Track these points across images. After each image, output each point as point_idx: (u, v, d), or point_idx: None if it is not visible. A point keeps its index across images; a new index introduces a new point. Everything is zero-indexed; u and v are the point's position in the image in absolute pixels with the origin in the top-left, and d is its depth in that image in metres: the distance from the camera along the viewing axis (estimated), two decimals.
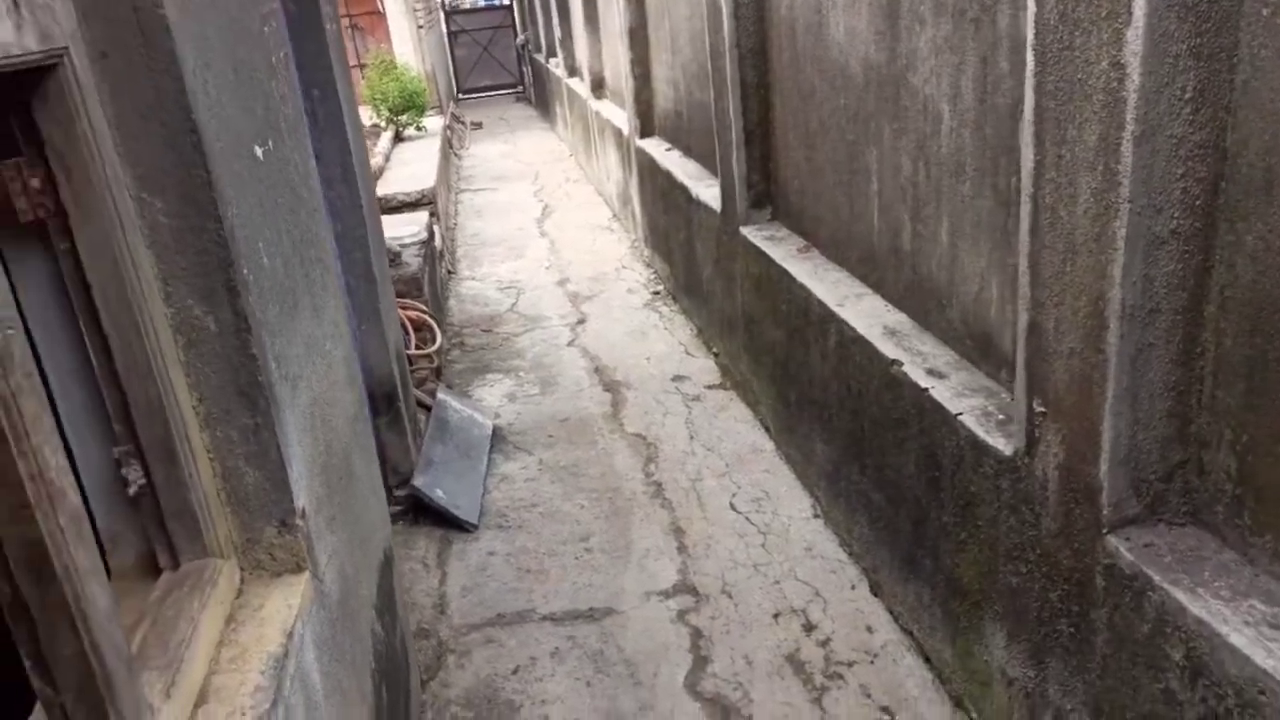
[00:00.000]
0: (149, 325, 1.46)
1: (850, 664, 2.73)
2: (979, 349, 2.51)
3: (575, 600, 3.17)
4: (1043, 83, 1.82)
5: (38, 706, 1.22)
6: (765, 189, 4.20)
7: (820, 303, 3.25)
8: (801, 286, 3.44)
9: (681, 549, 3.39)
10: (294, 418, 1.73)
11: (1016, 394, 2.06)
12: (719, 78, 4.27)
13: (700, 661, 2.80)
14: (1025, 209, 1.93)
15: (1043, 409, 1.97)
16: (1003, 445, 2.16)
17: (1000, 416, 2.27)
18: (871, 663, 2.72)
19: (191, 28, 1.53)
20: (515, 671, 2.86)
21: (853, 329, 2.98)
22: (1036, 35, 1.81)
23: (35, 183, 1.36)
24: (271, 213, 1.82)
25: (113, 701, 1.14)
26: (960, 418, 2.32)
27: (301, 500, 1.70)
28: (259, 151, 1.82)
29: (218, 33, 1.67)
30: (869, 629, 2.86)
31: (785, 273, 3.62)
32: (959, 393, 2.42)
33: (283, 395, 1.67)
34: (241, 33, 1.83)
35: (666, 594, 3.14)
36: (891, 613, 2.91)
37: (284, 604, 1.60)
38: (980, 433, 2.24)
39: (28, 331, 1.53)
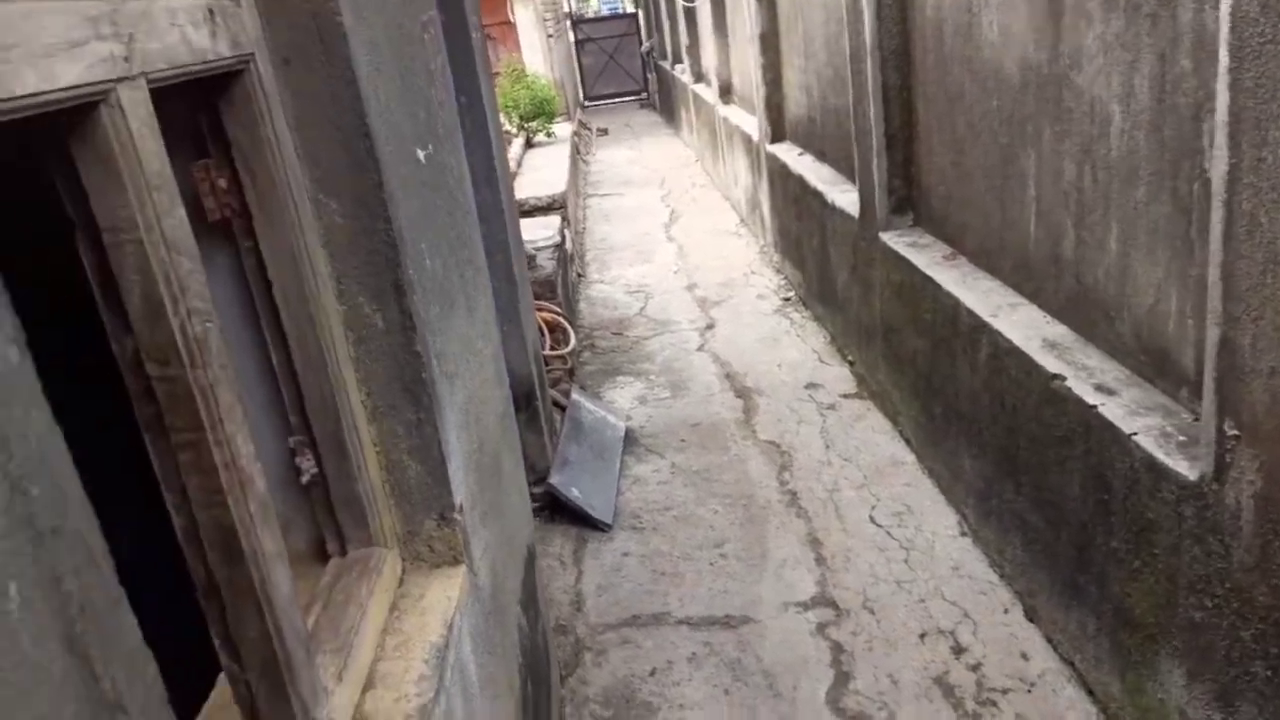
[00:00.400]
0: (323, 322, 1.51)
1: (1004, 691, 2.59)
2: (1153, 365, 2.34)
3: (711, 606, 3.13)
4: (1239, 80, 1.67)
5: (221, 679, 1.27)
6: (906, 194, 4.06)
7: (970, 312, 3.11)
8: (949, 295, 3.31)
9: (820, 560, 3.30)
10: (452, 414, 1.76)
11: (1204, 415, 1.90)
12: (859, 81, 4.16)
13: (842, 677, 2.72)
14: (1217, 216, 1.78)
15: (1236, 432, 1.81)
16: (1186, 469, 2.00)
17: (1181, 438, 2.11)
18: (1028, 691, 2.57)
19: (364, 34, 1.58)
20: (652, 674, 2.84)
21: (1008, 340, 2.83)
22: (1233, 29, 1.67)
23: (222, 183, 1.43)
24: (432, 215, 1.87)
25: (292, 682, 1.18)
26: (1135, 438, 2.17)
27: (460, 495, 1.72)
28: (421, 155, 1.86)
29: (386, 39, 1.72)
30: (1024, 655, 2.71)
31: (930, 280, 3.49)
32: (1132, 411, 2.26)
33: (443, 392, 1.70)
34: (406, 39, 1.88)
35: (805, 605, 3.06)
36: (1049, 640, 2.74)
37: (443, 595, 1.62)
38: (1159, 455, 2.08)
39: None
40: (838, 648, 2.84)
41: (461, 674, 1.59)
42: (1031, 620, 2.85)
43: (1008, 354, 2.84)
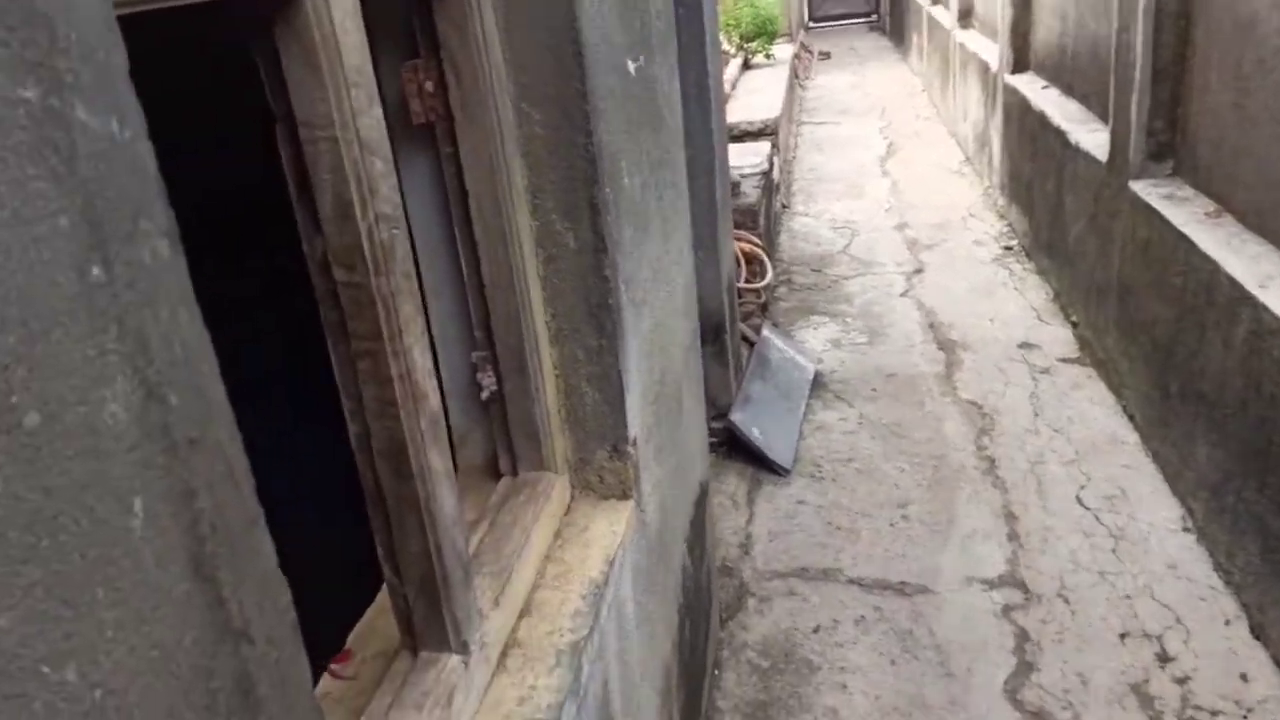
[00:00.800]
0: (515, 238, 1.47)
1: (1215, 713, 2.30)
2: None
3: (886, 569, 2.97)
4: None
5: (383, 590, 1.28)
6: (1169, 139, 3.56)
7: (1232, 280, 2.70)
8: (1206, 258, 2.88)
9: (1012, 537, 3.05)
10: (635, 343, 1.69)
11: None
12: (1126, 5, 3.66)
13: (1024, 667, 2.51)
14: None
15: None
16: None
17: None
18: (1243, 718, 2.27)
19: None
20: (816, 630, 2.74)
21: (1276, 318, 2.43)
22: None
23: (429, 85, 1.39)
24: (635, 131, 1.77)
25: (448, 602, 1.17)
26: None
27: (635, 427, 1.66)
28: (631, 67, 1.76)
29: None
30: (1244, 676, 2.39)
31: (1185, 239, 3.06)
32: None
33: (628, 319, 1.63)
34: None
35: (991, 584, 2.85)
36: (1278, 663, 2.40)
37: (608, 529, 1.58)
38: None
39: (409, 233, 1.61)
40: (1023, 634, 2.62)
41: (618, 612, 1.55)
42: (1258, 638, 2.51)
43: (1273, 333, 2.44)
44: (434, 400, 1.12)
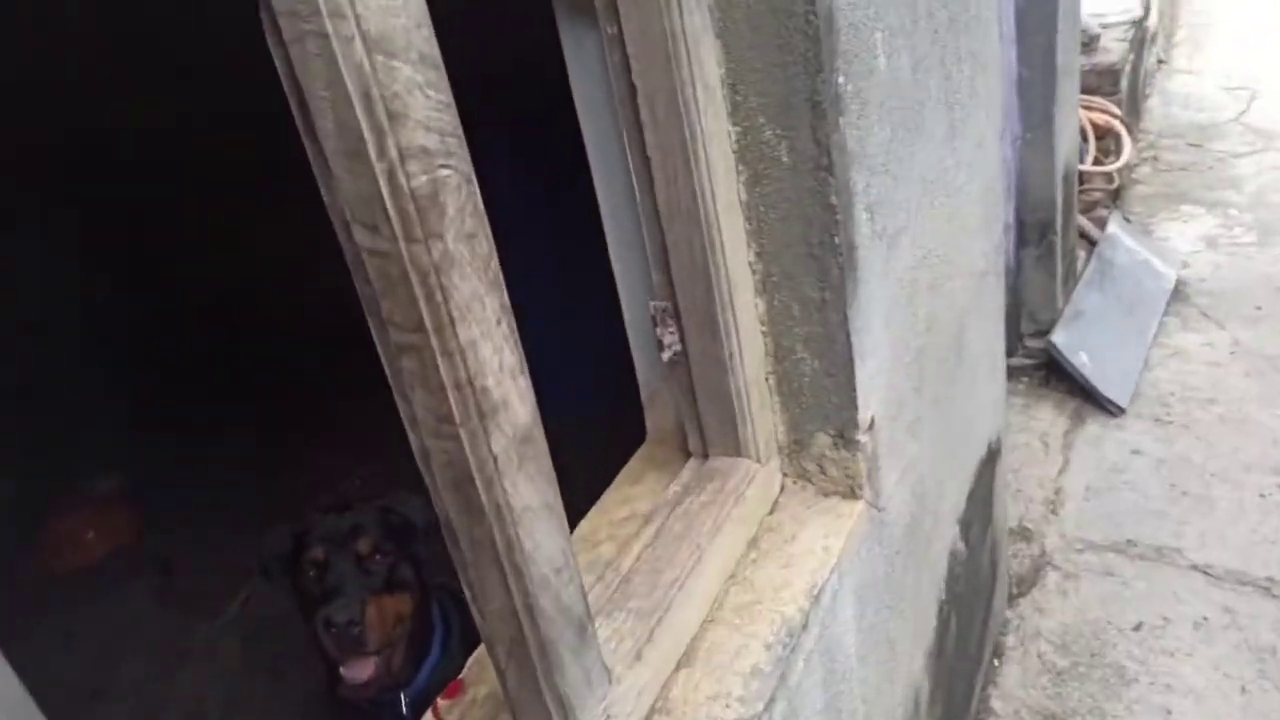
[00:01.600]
0: (702, 149, 1.06)
1: None
2: None
3: (1248, 558, 2.27)
4: None
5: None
6: None
7: None
8: None
9: None
10: (883, 290, 1.23)
11: None
12: None
13: None
14: None
15: None
16: None
17: None
18: None
19: None
20: (1137, 629, 2.16)
21: None
22: None
23: None
24: None
25: (546, 674, 0.86)
26: None
27: (872, 406, 1.23)
28: None
29: None
30: None
31: None
32: None
33: (869, 260, 1.17)
34: None
35: None
36: None
37: (821, 542, 1.19)
38: None
39: (574, 146, 1.25)
40: None
41: (826, 655, 1.17)
42: None
43: None
44: (521, 412, 0.79)
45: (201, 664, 2.67)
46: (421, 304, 0.70)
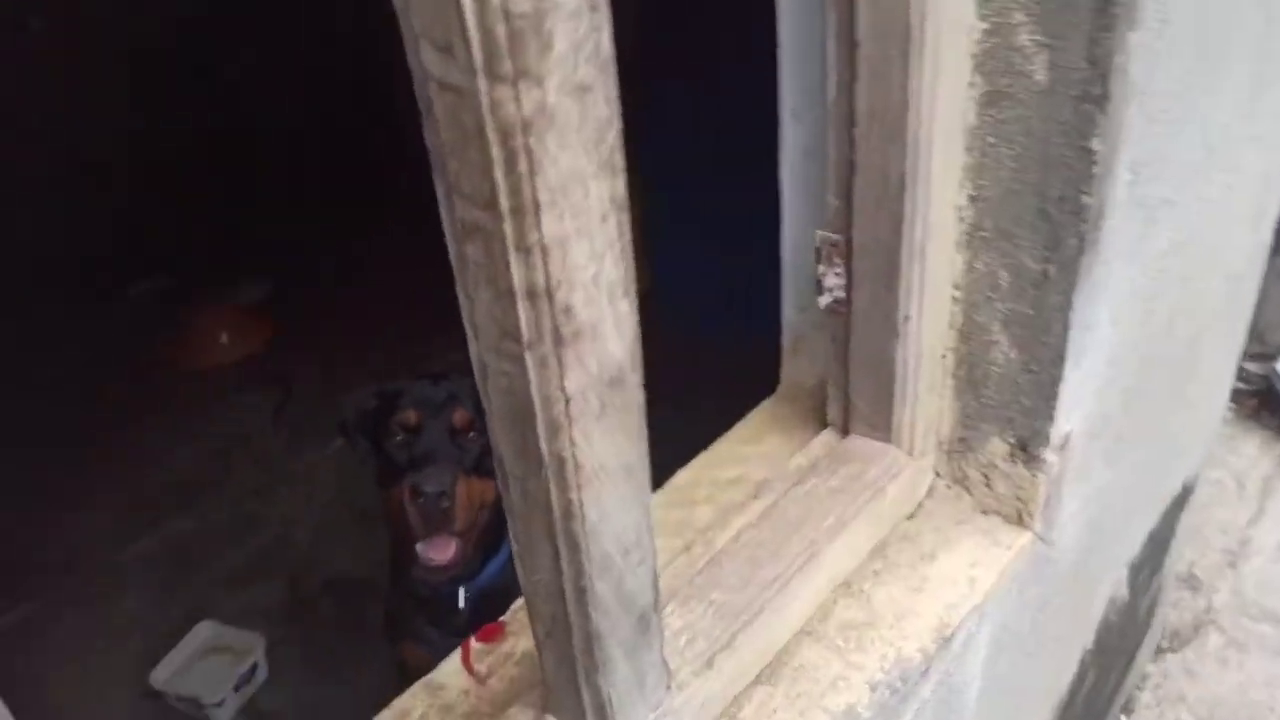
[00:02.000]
0: (930, 43, 0.79)
1: None
2: None
3: None
4: None
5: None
6: None
7: None
8: None
9: None
10: (1124, 275, 0.94)
11: None
12: None
13: None
14: None
15: None
16: None
17: None
18: None
19: None
20: None
21: None
22: None
23: None
24: None
25: (588, 671, 0.68)
26: None
27: (1073, 420, 0.96)
28: None
29: None
30: None
31: None
32: None
33: (1118, 233, 0.89)
34: None
35: None
36: None
37: (967, 570, 0.95)
38: None
39: (758, 32, 1.00)
40: None
41: (937, 712, 0.94)
42: None
43: None
44: (615, 347, 0.58)
45: (299, 488, 2.67)
46: (498, 171, 0.50)
